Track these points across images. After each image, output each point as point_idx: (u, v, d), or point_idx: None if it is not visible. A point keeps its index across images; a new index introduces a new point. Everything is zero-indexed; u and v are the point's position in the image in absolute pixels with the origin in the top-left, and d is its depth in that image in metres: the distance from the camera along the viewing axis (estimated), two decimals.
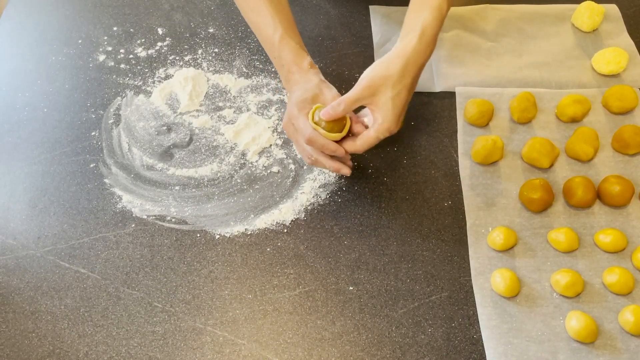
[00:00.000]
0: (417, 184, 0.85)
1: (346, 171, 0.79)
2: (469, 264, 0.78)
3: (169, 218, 0.82)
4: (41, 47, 1.01)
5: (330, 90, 0.79)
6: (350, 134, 0.78)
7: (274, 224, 0.82)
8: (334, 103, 0.75)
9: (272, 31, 0.82)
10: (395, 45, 0.77)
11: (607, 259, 0.78)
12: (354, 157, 0.88)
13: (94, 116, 0.93)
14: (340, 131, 0.76)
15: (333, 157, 0.79)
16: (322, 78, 0.81)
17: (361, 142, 0.76)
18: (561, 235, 0.78)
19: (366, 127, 0.78)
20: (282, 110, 0.93)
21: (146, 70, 0.98)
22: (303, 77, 0.80)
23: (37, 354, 0.72)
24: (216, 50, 1.00)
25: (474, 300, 0.75)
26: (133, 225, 0.82)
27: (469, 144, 0.88)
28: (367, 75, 0.75)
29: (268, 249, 0.80)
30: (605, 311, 0.74)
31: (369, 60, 0.98)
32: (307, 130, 0.76)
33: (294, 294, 0.76)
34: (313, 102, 0.78)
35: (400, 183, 0.86)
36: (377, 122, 0.75)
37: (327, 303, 0.75)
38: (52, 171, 0.87)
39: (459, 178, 0.86)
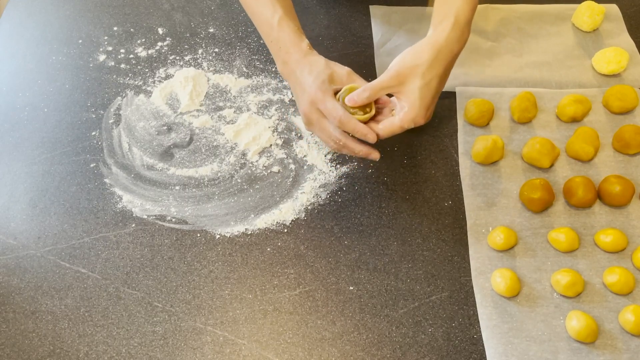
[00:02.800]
0: (417, 184, 0.85)
1: (375, 155, 0.77)
2: (469, 264, 0.78)
3: (169, 218, 0.82)
4: (41, 47, 1.01)
5: (341, 68, 0.77)
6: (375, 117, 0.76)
7: (274, 223, 0.82)
8: (360, 90, 0.73)
9: (271, 14, 0.80)
10: (427, 34, 0.74)
11: (607, 258, 0.78)
12: (355, 157, 0.88)
13: (94, 116, 0.93)
14: (365, 114, 0.74)
15: (361, 141, 0.76)
16: (325, 58, 0.78)
17: (383, 128, 0.74)
18: (561, 235, 0.78)
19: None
20: (283, 110, 0.93)
21: (146, 70, 0.98)
22: (305, 59, 0.77)
23: (37, 354, 0.72)
24: (216, 50, 1.00)
25: (474, 300, 0.75)
26: (133, 225, 0.82)
27: (469, 144, 0.88)
28: (396, 63, 0.73)
29: (268, 249, 0.80)
30: (605, 311, 0.74)
31: (369, 60, 0.98)
32: (338, 111, 0.73)
33: (294, 294, 0.76)
34: (331, 83, 0.75)
35: (400, 183, 0.86)
36: (403, 111, 0.73)
37: (327, 303, 0.75)
38: (53, 171, 0.87)
39: (459, 178, 0.86)
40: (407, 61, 0.72)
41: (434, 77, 0.72)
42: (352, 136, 0.76)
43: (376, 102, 0.77)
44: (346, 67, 0.77)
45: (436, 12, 0.76)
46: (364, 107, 0.75)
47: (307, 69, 0.76)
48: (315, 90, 0.75)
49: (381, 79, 0.73)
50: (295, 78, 0.78)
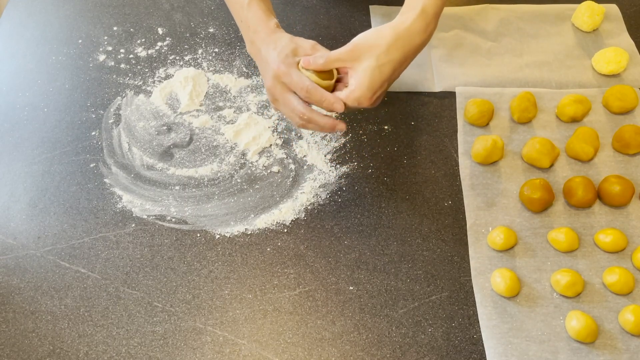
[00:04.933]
0: (417, 184, 0.85)
1: (342, 127, 0.74)
2: (469, 264, 0.78)
3: (169, 218, 0.82)
4: (41, 47, 1.01)
5: (305, 41, 0.76)
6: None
7: (274, 223, 0.82)
8: (317, 55, 0.73)
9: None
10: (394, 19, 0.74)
11: (607, 258, 0.78)
12: (356, 156, 0.88)
13: (94, 116, 0.93)
14: (331, 79, 0.73)
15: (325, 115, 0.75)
16: (291, 35, 0.77)
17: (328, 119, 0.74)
18: (561, 235, 0.78)
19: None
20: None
21: (146, 70, 0.98)
22: (270, 37, 0.76)
23: (37, 354, 0.72)
24: (216, 50, 1.00)
25: (474, 300, 0.75)
26: (133, 225, 0.82)
27: (469, 144, 0.88)
28: (356, 39, 0.73)
29: (268, 249, 0.80)
30: (605, 311, 0.74)
31: None
32: (304, 81, 0.72)
33: (294, 294, 0.76)
34: (295, 55, 0.74)
35: (400, 183, 0.86)
36: (350, 88, 0.72)
37: (327, 303, 0.75)
38: (52, 171, 0.87)
39: (459, 178, 0.86)
40: (367, 39, 0.72)
41: (388, 62, 0.71)
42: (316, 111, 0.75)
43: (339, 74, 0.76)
44: (310, 40, 0.76)
45: (406, 2, 0.76)
46: (328, 71, 0.74)
47: (271, 45, 0.75)
48: (278, 63, 0.73)
49: (338, 51, 0.72)
50: (261, 56, 0.77)
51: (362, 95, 0.72)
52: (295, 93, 0.75)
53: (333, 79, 0.74)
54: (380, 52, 0.71)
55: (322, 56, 0.73)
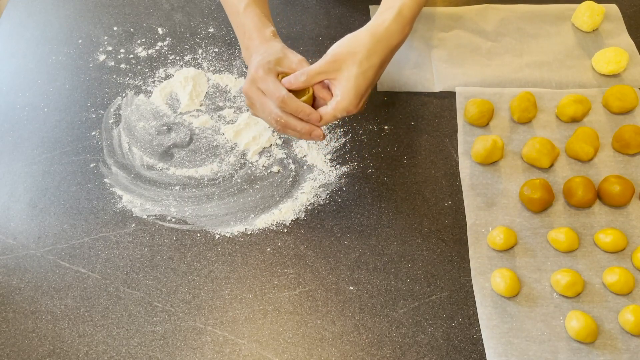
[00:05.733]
0: (417, 184, 0.85)
1: (318, 133, 0.73)
2: (469, 264, 0.78)
3: (169, 218, 0.82)
4: (41, 47, 1.01)
5: (295, 55, 0.75)
6: (315, 99, 0.75)
7: (274, 223, 0.82)
8: (297, 73, 0.71)
9: (240, 3, 0.78)
10: (369, 22, 0.73)
11: (607, 258, 0.78)
12: (356, 156, 0.88)
13: (94, 116, 0.93)
14: (304, 96, 0.73)
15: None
16: (285, 46, 0.77)
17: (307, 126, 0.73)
18: (561, 235, 0.78)
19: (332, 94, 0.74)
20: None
21: (146, 70, 0.98)
22: (264, 45, 0.76)
23: (37, 354, 0.72)
24: (216, 50, 1.00)
25: (474, 300, 0.75)
26: (133, 225, 0.82)
27: (469, 144, 0.88)
28: (334, 49, 0.71)
29: (268, 249, 0.80)
30: (605, 311, 0.74)
31: None
32: (280, 91, 0.71)
33: (294, 294, 0.76)
34: (277, 65, 0.73)
35: (400, 183, 0.86)
36: (336, 99, 0.72)
37: (327, 303, 0.75)
38: (53, 171, 0.87)
39: (459, 178, 0.86)
40: (345, 47, 0.71)
41: (370, 67, 0.71)
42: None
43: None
44: (299, 55, 0.75)
45: (382, 2, 0.75)
46: (302, 90, 0.73)
47: (261, 52, 0.75)
48: (256, 68, 0.72)
49: (318, 64, 0.71)
50: (250, 61, 0.77)
51: (349, 104, 0.71)
52: None
53: (309, 92, 0.73)
54: (361, 58, 0.70)
55: (304, 73, 0.71)
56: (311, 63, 0.98)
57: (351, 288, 0.76)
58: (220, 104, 0.94)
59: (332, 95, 0.73)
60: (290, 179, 0.86)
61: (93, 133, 0.91)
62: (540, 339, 0.72)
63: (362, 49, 0.70)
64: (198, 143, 0.90)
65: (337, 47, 0.71)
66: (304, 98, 0.73)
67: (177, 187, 0.85)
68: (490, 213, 0.82)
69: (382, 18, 0.72)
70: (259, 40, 0.76)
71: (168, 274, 0.78)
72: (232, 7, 0.80)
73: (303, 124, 0.73)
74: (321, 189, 0.85)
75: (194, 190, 0.85)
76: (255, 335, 0.73)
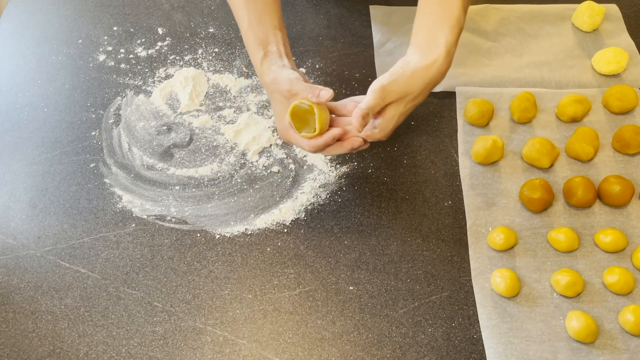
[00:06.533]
0: (417, 184, 0.85)
1: (359, 142, 0.74)
2: (469, 264, 0.78)
3: (169, 218, 0.82)
4: (41, 47, 1.01)
5: (286, 76, 0.73)
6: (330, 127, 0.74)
7: (274, 223, 0.82)
8: (363, 113, 0.69)
9: (241, 19, 0.79)
10: (416, 59, 0.72)
11: (607, 258, 0.78)
12: (356, 156, 0.88)
13: (94, 116, 0.93)
14: (314, 130, 0.72)
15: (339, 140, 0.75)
16: (273, 69, 0.74)
17: (347, 142, 0.74)
18: (561, 235, 0.78)
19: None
20: None
21: (146, 70, 0.98)
22: (261, 77, 0.77)
23: (37, 354, 0.72)
24: (216, 50, 1.00)
25: (474, 300, 0.75)
26: (133, 225, 0.82)
27: (469, 144, 0.88)
28: (386, 86, 0.70)
29: (268, 249, 0.80)
30: (605, 311, 0.74)
31: (369, 60, 0.98)
32: (303, 144, 0.73)
33: (294, 294, 0.76)
34: (289, 103, 0.73)
35: (400, 183, 0.86)
36: (372, 130, 0.73)
37: (327, 303, 0.75)
38: (53, 171, 0.87)
39: (459, 178, 0.86)
40: (397, 86, 0.70)
41: (414, 105, 0.73)
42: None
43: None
44: (294, 73, 0.74)
45: (421, 33, 0.74)
46: (311, 122, 0.72)
47: (269, 94, 0.77)
48: (280, 131, 0.76)
49: (370, 102, 0.70)
50: (266, 88, 0.78)
51: (385, 136, 0.73)
52: None
53: (316, 129, 0.72)
54: (410, 98, 0.71)
55: (357, 116, 0.69)
56: (310, 62, 0.99)
57: (351, 288, 0.76)
58: (220, 104, 0.94)
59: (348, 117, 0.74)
60: (290, 179, 0.86)
61: (93, 133, 0.91)
62: (540, 339, 0.72)
63: (413, 91, 0.71)
64: (198, 143, 0.90)
65: (389, 84, 0.70)
66: (314, 134, 0.72)
67: (177, 187, 0.85)
68: (490, 213, 0.82)
69: (432, 58, 0.71)
70: (256, 67, 0.77)
71: (168, 274, 0.78)
72: (240, 26, 0.80)
73: (342, 149, 0.74)
74: (321, 189, 0.85)
75: (194, 190, 0.85)
76: (255, 335, 0.73)
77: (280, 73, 0.74)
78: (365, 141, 0.74)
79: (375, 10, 1.05)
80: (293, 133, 0.74)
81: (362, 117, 0.69)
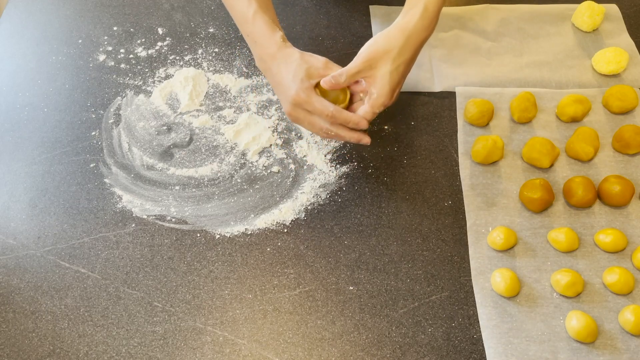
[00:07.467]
0: (417, 184, 0.85)
1: (367, 140, 0.79)
2: (469, 264, 0.78)
3: (169, 218, 0.82)
4: (41, 47, 1.01)
5: (316, 59, 0.78)
6: (351, 103, 0.79)
7: (274, 223, 0.82)
8: (336, 74, 0.75)
9: (246, 7, 0.81)
10: (396, 20, 0.77)
11: (607, 258, 0.78)
12: (356, 156, 0.88)
13: (94, 116, 0.93)
14: (344, 101, 0.77)
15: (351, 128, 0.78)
16: (299, 50, 0.79)
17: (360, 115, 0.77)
18: (561, 235, 0.78)
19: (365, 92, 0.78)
20: (282, 110, 0.92)
21: (146, 70, 0.98)
22: (278, 52, 0.78)
23: (37, 354, 0.72)
24: (216, 50, 1.00)
25: (474, 300, 0.75)
26: (133, 225, 0.82)
27: (469, 144, 0.88)
28: (367, 48, 0.75)
29: (268, 249, 0.80)
30: (605, 311, 0.74)
31: None
32: (327, 108, 0.75)
33: (294, 294, 0.76)
34: (309, 78, 0.76)
35: (400, 183, 0.86)
36: (372, 97, 0.76)
37: (327, 303, 0.75)
38: (52, 171, 0.87)
39: (459, 178, 0.86)
40: (378, 46, 0.75)
41: (402, 62, 0.75)
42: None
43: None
44: (322, 58, 0.78)
45: (407, 1, 0.79)
46: (342, 91, 0.78)
47: (282, 65, 0.78)
48: (296, 92, 0.76)
49: (354, 64, 0.75)
50: (272, 75, 0.79)
51: (385, 99, 0.76)
52: None
53: (347, 95, 0.78)
54: (394, 55, 0.75)
55: (342, 74, 0.75)
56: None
57: (351, 288, 0.76)
58: (220, 104, 0.94)
59: (363, 88, 0.78)
60: (290, 179, 0.86)
61: (93, 133, 0.91)
62: (540, 339, 0.72)
63: (394, 46, 0.75)
64: (198, 143, 0.90)
65: (371, 47, 0.75)
66: (343, 105, 0.77)
67: (177, 187, 0.85)
68: (490, 213, 0.82)
69: (409, 16, 0.76)
70: (271, 49, 0.79)
71: (168, 274, 0.78)
72: (240, 15, 0.82)
73: (352, 134, 0.78)
74: (321, 189, 0.85)
75: (194, 190, 0.85)
76: (255, 335, 0.73)
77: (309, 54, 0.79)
78: (369, 140, 0.78)
79: (375, 10, 1.05)
80: (315, 96, 0.76)
81: (348, 75, 0.74)
